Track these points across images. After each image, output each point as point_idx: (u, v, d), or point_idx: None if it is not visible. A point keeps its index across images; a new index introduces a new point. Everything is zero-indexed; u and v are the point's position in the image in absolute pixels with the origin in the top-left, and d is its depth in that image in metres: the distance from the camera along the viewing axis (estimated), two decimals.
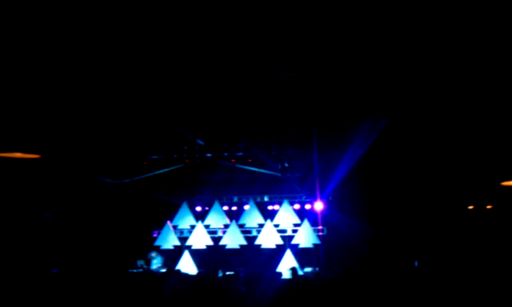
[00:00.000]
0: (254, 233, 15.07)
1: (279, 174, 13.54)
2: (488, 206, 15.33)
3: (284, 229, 14.91)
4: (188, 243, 15.26)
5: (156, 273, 13.91)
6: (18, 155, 11.10)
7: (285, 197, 15.17)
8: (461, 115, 11.49)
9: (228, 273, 13.37)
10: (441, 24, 8.37)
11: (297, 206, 15.22)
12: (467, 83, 10.32)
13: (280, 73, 10.41)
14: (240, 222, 15.20)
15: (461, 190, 14.75)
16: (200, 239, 15.23)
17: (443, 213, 14.93)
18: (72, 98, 10.92)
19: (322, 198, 13.32)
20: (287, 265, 13.82)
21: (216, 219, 15.37)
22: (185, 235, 15.51)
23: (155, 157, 13.33)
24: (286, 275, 11.66)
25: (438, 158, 13.42)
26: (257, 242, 14.86)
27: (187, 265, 14.72)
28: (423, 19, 8.23)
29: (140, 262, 14.40)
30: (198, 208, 16.03)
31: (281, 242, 14.72)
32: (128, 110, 11.70)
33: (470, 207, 15.51)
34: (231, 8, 8.18)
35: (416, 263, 13.08)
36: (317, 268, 13.53)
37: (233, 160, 13.72)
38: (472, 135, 12.19)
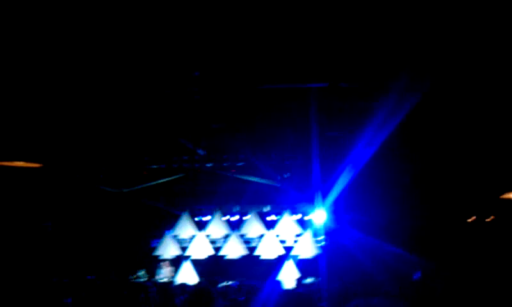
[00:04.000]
0: (254, 244, 15.03)
1: (279, 185, 13.56)
2: (488, 219, 15.31)
3: (285, 239, 14.88)
4: (188, 253, 15.22)
5: (157, 283, 13.93)
6: (20, 164, 11.15)
7: (286, 208, 15.15)
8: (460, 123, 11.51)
9: (228, 283, 13.40)
10: None
11: (298, 217, 15.19)
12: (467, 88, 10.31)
13: (275, 85, 10.43)
14: (241, 232, 15.17)
15: (461, 203, 14.74)
16: (200, 249, 15.19)
17: (444, 225, 14.92)
18: (73, 107, 10.96)
19: (323, 208, 13.29)
20: (288, 275, 13.79)
21: (217, 229, 15.34)
22: (185, 245, 15.47)
23: (155, 166, 13.36)
24: (288, 285, 11.66)
25: (438, 168, 13.44)
26: (257, 252, 14.82)
27: (187, 275, 14.68)
28: None
29: (141, 272, 14.38)
30: (199, 219, 16.01)
31: (282, 252, 14.68)
32: (129, 120, 11.73)
33: (471, 219, 15.49)
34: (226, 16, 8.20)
35: (419, 274, 13.04)
36: (319, 279, 13.48)
37: (233, 171, 13.74)
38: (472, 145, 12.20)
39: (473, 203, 14.97)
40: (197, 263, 15.10)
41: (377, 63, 9.73)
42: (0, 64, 8.97)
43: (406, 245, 14.32)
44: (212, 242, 15.28)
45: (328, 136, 12.76)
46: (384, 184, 14.17)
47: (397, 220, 14.74)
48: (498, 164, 12.48)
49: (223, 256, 14.93)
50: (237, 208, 15.70)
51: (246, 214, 15.55)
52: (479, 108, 10.79)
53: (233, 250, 14.86)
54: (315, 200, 13.04)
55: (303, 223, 15.03)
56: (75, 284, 11.60)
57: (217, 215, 15.44)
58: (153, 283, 13.88)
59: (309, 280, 13.78)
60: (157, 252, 15.34)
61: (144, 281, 14.06)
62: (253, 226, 15.17)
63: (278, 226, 15.01)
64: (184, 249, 15.34)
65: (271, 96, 11.12)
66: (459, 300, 9.54)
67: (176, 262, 15.20)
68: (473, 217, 15.34)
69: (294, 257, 14.49)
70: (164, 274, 14.61)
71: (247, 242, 15.09)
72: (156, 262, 15.27)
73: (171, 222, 15.74)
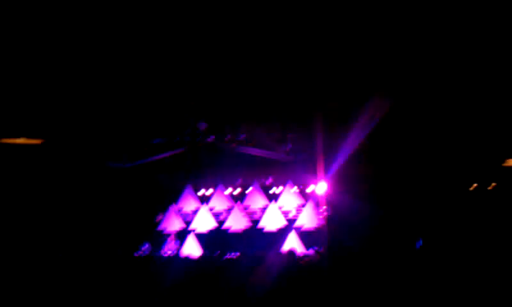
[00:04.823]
0: (257, 216, 15.11)
1: (282, 156, 13.55)
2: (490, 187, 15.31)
3: (287, 211, 14.95)
4: (192, 226, 15.33)
5: (162, 257, 14.06)
6: (22, 140, 11.17)
7: (288, 179, 15.18)
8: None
9: (232, 255, 13.50)
10: None
11: (300, 188, 15.21)
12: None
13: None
14: (244, 204, 15.25)
15: (464, 170, 14.72)
16: (204, 222, 15.31)
17: (447, 192, 14.92)
18: (75, 83, 10.94)
19: (325, 179, 13.32)
20: (291, 246, 13.88)
21: (220, 201, 15.43)
22: (189, 218, 15.58)
23: (157, 140, 13.35)
24: (291, 255, 11.72)
25: (442, 139, 13.40)
26: (261, 224, 14.91)
27: (192, 248, 14.81)
28: None
29: (145, 246, 14.50)
30: (202, 191, 16.07)
31: (285, 223, 14.77)
32: (131, 94, 11.71)
33: (473, 187, 15.49)
34: None
35: (420, 242, 13.12)
36: (320, 249, 13.57)
37: (234, 145, 13.74)
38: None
39: (475, 171, 14.96)
40: (201, 236, 15.22)
41: None
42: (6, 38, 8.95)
43: (408, 214, 14.37)
44: (216, 215, 15.37)
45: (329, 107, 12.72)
46: (385, 153, 14.15)
47: (398, 189, 14.75)
48: (500, 131, 12.45)
49: (226, 229, 15.04)
50: (240, 181, 15.73)
51: (248, 187, 15.59)
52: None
53: (237, 222, 14.96)
54: (317, 171, 13.07)
55: (305, 194, 15.08)
56: (80, 259, 11.71)
57: (220, 188, 15.51)
58: (157, 257, 14.01)
59: (312, 250, 13.88)
60: (161, 226, 15.47)
61: (148, 255, 14.18)
62: (255, 198, 15.25)
63: (280, 198, 15.07)
64: (187, 222, 15.47)
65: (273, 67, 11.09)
66: (459, 267, 9.61)
67: (181, 236, 15.31)
68: (475, 185, 15.34)
69: (297, 228, 14.59)
70: (168, 247, 14.73)
71: (250, 214, 15.17)
72: (160, 236, 15.38)
73: (174, 197, 15.85)
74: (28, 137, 11.05)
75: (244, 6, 9.12)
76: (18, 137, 11.03)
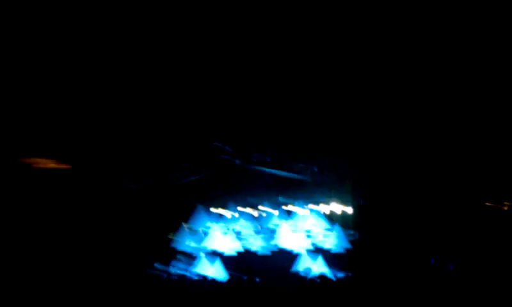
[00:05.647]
0: (282, 238, 14.97)
1: (309, 179, 13.46)
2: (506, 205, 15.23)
3: (314, 234, 14.81)
4: (214, 247, 15.19)
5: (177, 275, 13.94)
6: (52, 164, 11.09)
7: (314, 202, 15.06)
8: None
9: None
10: None
11: (327, 211, 15.10)
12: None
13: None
14: (268, 227, 15.12)
15: (480, 187, 14.66)
16: (226, 243, 15.16)
17: (462, 210, 14.84)
18: (102, 108, 10.88)
19: (353, 202, 13.22)
20: (317, 269, 13.74)
21: (245, 224, 15.31)
22: (211, 238, 15.43)
23: (185, 164, 13.28)
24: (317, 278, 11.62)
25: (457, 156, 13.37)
26: (285, 246, 14.76)
27: (206, 268, 14.64)
28: None
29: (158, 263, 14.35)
30: (224, 212, 15.95)
31: (310, 247, 14.62)
32: (156, 117, 11.65)
33: (488, 204, 15.40)
34: None
35: (432, 261, 13.03)
36: (349, 274, 13.45)
37: (260, 167, 13.66)
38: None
39: (490, 191, 14.90)
40: (224, 258, 15.07)
41: None
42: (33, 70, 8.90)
43: (427, 232, 14.28)
44: (238, 236, 15.24)
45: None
46: (409, 174, 14.06)
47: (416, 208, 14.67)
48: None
49: (248, 250, 14.90)
50: (266, 203, 15.63)
51: (274, 208, 15.48)
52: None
53: (262, 245, 14.83)
54: (346, 195, 12.98)
55: (332, 218, 14.95)
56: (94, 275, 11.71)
57: (245, 211, 15.41)
58: (169, 274, 13.92)
59: (339, 274, 13.74)
60: (174, 244, 15.31)
61: (160, 272, 14.07)
62: (280, 221, 15.13)
63: (306, 221, 14.94)
64: (205, 242, 15.30)
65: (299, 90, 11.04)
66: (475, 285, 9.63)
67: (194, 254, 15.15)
68: (490, 203, 15.27)
69: (324, 251, 14.44)
70: (181, 265, 14.59)
71: (274, 236, 15.04)
72: (173, 254, 15.25)
73: (196, 217, 15.73)
74: (58, 161, 10.96)
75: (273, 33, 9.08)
76: (48, 161, 10.93)
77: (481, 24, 8.45)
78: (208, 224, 15.38)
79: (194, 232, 15.43)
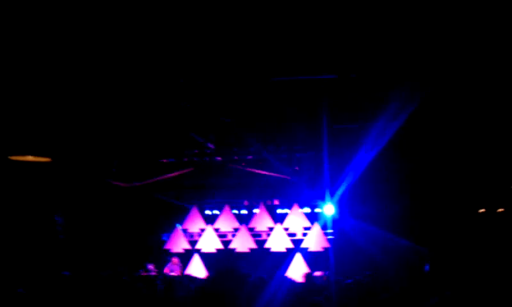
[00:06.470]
0: (264, 237, 15.04)
1: (289, 178, 13.50)
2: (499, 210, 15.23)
3: (294, 232, 14.88)
4: (197, 246, 15.25)
5: (167, 276, 13.94)
6: (30, 158, 11.13)
7: (295, 201, 15.14)
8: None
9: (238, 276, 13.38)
10: None
11: (307, 210, 15.18)
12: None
13: (286, 77, 10.35)
14: (250, 225, 15.18)
15: (472, 194, 14.66)
16: (209, 243, 15.23)
17: (454, 217, 14.85)
18: (83, 101, 10.93)
19: (332, 201, 13.25)
20: (296, 269, 13.78)
21: (226, 222, 15.37)
22: (194, 238, 15.52)
23: (165, 160, 13.33)
24: (297, 278, 11.62)
25: (449, 163, 13.35)
26: (267, 245, 14.82)
27: (197, 269, 14.71)
28: None
29: (150, 266, 14.41)
30: (208, 212, 16.03)
31: (291, 245, 14.68)
32: (139, 114, 11.70)
33: (481, 211, 15.41)
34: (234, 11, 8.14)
35: (427, 268, 13.02)
36: (326, 273, 13.47)
37: (243, 164, 13.69)
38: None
39: (484, 195, 14.90)
40: (206, 257, 15.14)
41: (386, 54, 9.66)
42: (11, 57, 8.96)
43: (415, 237, 14.30)
44: (222, 235, 15.30)
45: (338, 129, 12.70)
46: (393, 177, 14.10)
47: (406, 212, 14.69)
48: (509, 155, 12.41)
49: (232, 250, 14.95)
50: (246, 202, 15.71)
51: (255, 207, 15.55)
52: (489, 99, 10.73)
53: (243, 243, 14.88)
54: (325, 193, 13.00)
55: (312, 216, 15.03)
56: (83, 278, 11.63)
57: (226, 209, 15.46)
58: (161, 277, 13.91)
59: (317, 273, 13.77)
60: (167, 246, 15.38)
61: (153, 275, 14.07)
62: (262, 220, 15.18)
63: (287, 219, 15.01)
64: (193, 242, 15.40)
65: (281, 89, 11.06)
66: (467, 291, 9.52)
67: (186, 256, 15.24)
68: (483, 209, 15.27)
69: (303, 250, 14.50)
70: (172, 268, 14.63)
71: (256, 235, 15.10)
72: (165, 256, 15.31)
73: (180, 216, 15.81)
74: (36, 154, 11.01)
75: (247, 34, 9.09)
76: (27, 154, 10.98)
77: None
78: (199, 224, 15.46)
79: (186, 233, 15.52)
